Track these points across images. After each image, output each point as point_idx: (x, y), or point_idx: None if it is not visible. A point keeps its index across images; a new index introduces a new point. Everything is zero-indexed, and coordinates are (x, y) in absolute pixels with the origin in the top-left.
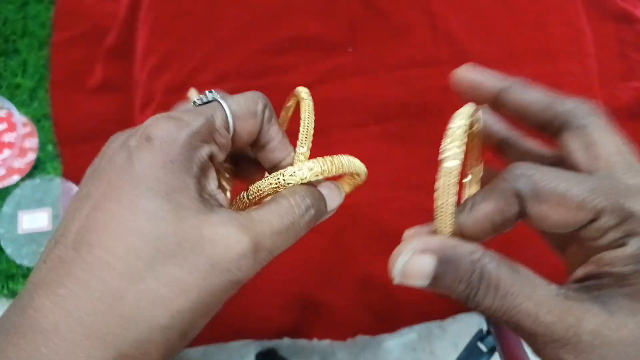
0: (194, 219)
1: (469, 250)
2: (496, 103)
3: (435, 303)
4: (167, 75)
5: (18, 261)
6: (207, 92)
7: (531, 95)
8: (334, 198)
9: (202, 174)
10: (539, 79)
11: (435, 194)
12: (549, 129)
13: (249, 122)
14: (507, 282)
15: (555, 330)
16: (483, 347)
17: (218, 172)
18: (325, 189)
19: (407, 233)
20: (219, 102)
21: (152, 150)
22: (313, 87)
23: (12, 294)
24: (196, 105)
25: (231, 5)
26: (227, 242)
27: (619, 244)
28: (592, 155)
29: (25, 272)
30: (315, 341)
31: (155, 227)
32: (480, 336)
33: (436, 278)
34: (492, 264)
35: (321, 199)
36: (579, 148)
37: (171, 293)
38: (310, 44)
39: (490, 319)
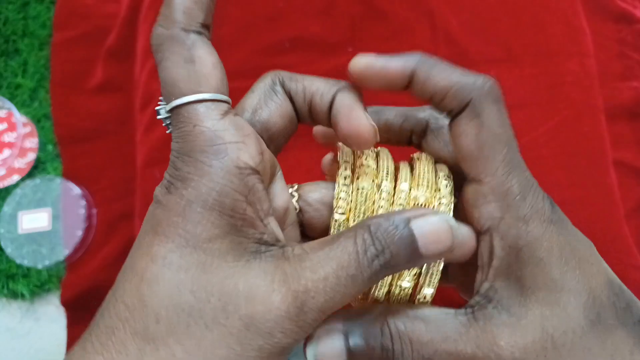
0: (227, 268)
1: (373, 317)
2: (406, 88)
3: (435, 303)
4: None
5: (18, 261)
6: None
7: (437, 81)
8: (435, 238)
9: (251, 207)
10: (538, 79)
11: None
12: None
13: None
14: (417, 333)
15: (479, 359)
16: None
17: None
18: (421, 222)
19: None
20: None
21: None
22: None
23: (12, 294)
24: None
25: (231, 5)
26: (267, 297)
27: (493, 225)
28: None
29: (26, 272)
30: None
31: (176, 281)
32: None
33: (351, 353)
34: (398, 323)
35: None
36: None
37: None
38: (310, 44)
39: None
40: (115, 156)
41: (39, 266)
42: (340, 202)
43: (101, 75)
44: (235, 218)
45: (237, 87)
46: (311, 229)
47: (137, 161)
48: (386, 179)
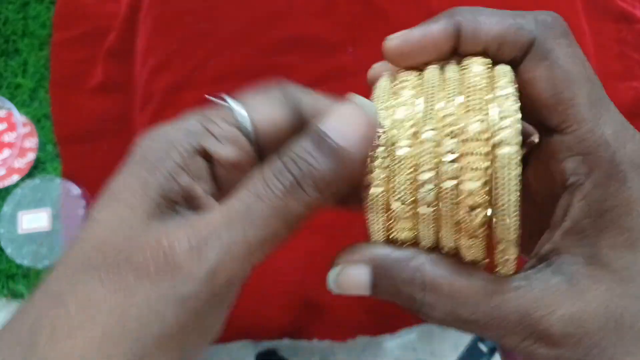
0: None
1: (406, 257)
2: (453, 51)
3: None
4: (167, 75)
5: (18, 261)
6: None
7: (488, 28)
8: (347, 123)
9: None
10: None
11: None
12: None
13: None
14: (458, 289)
15: (524, 324)
16: (483, 347)
17: None
18: (326, 119)
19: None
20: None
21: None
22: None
23: (12, 294)
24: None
25: (231, 5)
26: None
27: (578, 183)
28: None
29: (26, 272)
30: (315, 342)
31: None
32: (480, 337)
33: (376, 287)
34: (437, 273)
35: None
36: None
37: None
38: (310, 44)
39: (442, 325)
40: (115, 156)
41: (39, 266)
42: (377, 171)
43: (101, 75)
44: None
45: (237, 87)
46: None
47: None
48: (428, 100)
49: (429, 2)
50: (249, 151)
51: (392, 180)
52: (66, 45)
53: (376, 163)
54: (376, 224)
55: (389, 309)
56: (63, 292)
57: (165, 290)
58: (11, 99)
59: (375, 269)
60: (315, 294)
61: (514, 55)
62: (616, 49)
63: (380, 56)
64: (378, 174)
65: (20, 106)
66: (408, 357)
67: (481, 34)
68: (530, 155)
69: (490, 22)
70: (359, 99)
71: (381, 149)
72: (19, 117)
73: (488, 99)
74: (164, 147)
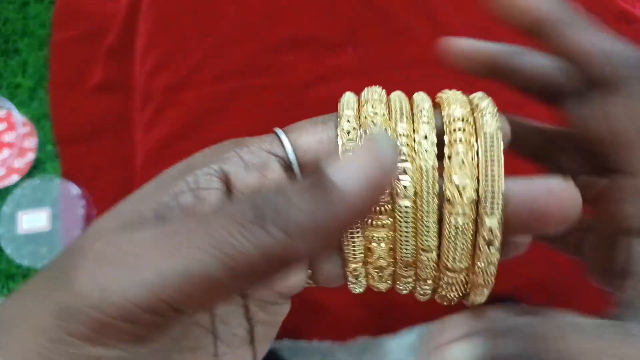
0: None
1: (519, 322)
2: (495, 71)
3: (435, 304)
4: (167, 75)
5: (18, 261)
6: None
7: (579, 42)
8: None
9: None
10: None
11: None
12: (558, 98)
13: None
14: (573, 346)
15: None
16: None
17: None
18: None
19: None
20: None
21: None
22: (313, 87)
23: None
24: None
25: (231, 4)
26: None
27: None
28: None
29: (25, 272)
30: (315, 342)
31: None
32: None
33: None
34: (552, 332)
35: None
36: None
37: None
38: (310, 43)
39: None
40: (115, 156)
41: (39, 266)
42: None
43: (100, 75)
44: None
45: (237, 87)
46: None
47: (136, 161)
48: (401, 121)
49: (429, 2)
50: (280, 180)
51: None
52: (66, 45)
53: (347, 154)
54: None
55: (389, 309)
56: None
57: (53, 297)
58: (11, 98)
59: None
60: (315, 295)
61: (593, 78)
62: None
63: (380, 56)
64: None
65: (20, 106)
66: (409, 358)
67: (568, 42)
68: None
69: (583, 37)
70: (382, 136)
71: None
72: (18, 117)
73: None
74: (182, 168)
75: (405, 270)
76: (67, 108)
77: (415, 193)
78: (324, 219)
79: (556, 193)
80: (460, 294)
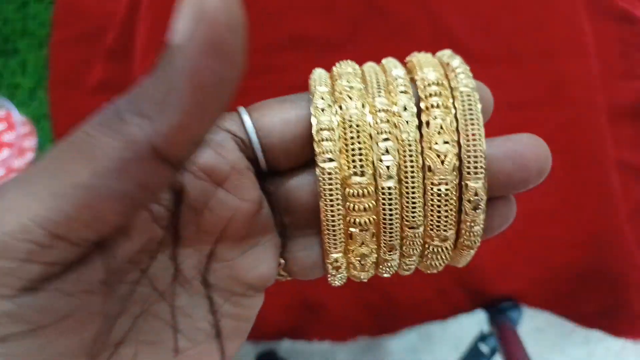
0: None
1: None
2: None
3: (435, 304)
4: None
5: None
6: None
7: None
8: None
9: None
10: (539, 78)
11: None
12: None
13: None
14: None
15: None
16: (484, 348)
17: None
18: None
19: None
20: None
21: None
22: None
23: None
24: None
25: None
26: None
27: None
28: None
29: None
30: (315, 343)
31: None
32: (481, 337)
33: None
34: None
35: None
36: None
37: None
38: (310, 42)
39: None
40: None
41: None
42: (325, 142)
43: (100, 74)
44: None
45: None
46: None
47: None
48: (379, 95)
49: (430, 1)
50: (237, 160)
51: (350, 150)
52: (65, 44)
53: (325, 134)
54: (332, 206)
55: (389, 309)
56: None
57: None
58: (10, 98)
59: None
60: (315, 295)
61: None
62: (618, 49)
63: (380, 54)
64: (329, 146)
65: (20, 106)
66: (408, 358)
67: None
68: None
69: None
70: None
71: (328, 116)
72: (18, 116)
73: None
74: None
75: (390, 254)
76: (66, 108)
77: (399, 169)
78: (174, 87)
79: (532, 146)
80: (446, 260)
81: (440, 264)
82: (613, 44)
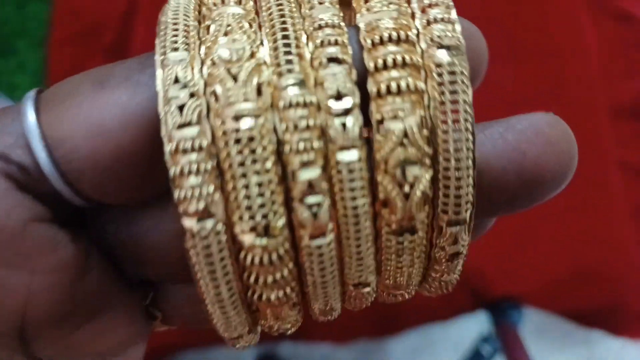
0: None
1: None
2: None
3: (436, 305)
4: None
5: None
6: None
7: None
8: None
9: None
10: (540, 77)
11: None
12: None
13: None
14: None
15: None
16: (485, 349)
17: None
18: None
19: None
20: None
21: None
22: None
23: None
24: None
25: None
26: None
27: None
28: None
29: None
30: (315, 344)
31: None
32: (482, 338)
33: None
34: None
35: None
36: None
37: None
38: None
39: None
40: None
41: None
42: (191, 178)
43: None
44: None
45: None
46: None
47: None
48: (290, 69)
49: None
50: (8, 209)
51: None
52: (64, 43)
53: (185, 161)
54: (216, 287)
55: (389, 310)
56: None
57: None
58: (9, 98)
59: None
60: None
61: None
62: (619, 48)
63: None
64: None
65: None
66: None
67: None
68: None
69: None
70: None
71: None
72: None
73: None
74: None
75: (325, 317)
76: None
77: (334, 209)
78: None
79: (552, 140)
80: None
81: (399, 300)
82: (614, 44)
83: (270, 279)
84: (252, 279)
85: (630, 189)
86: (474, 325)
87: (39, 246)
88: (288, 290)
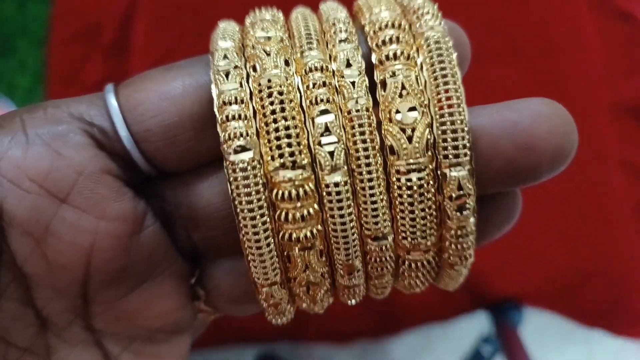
0: None
1: None
2: None
3: (436, 305)
4: None
5: None
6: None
7: None
8: None
9: None
10: (542, 76)
11: None
12: None
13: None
14: None
15: None
16: (485, 349)
17: None
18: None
19: None
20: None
21: None
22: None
23: None
24: None
25: (231, 1)
26: None
27: None
28: None
29: None
30: (315, 344)
31: None
32: (482, 339)
33: None
34: None
35: None
36: None
37: None
38: None
39: None
40: None
41: None
42: (233, 122)
43: (99, 72)
44: None
45: None
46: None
47: None
48: (309, 47)
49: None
50: (83, 160)
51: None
52: (64, 43)
53: (232, 110)
54: (253, 220)
55: (389, 310)
56: None
57: None
58: (10, 97)
59: None
60: None
61: None
62: (620, 47)
63: None
64: (240, 127)
65: (19, 105)
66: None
67: None
68: None
69: None
70: None
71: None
72: None
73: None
74: None
75: (350, 278)
76: None
77: (348, 154)
78: None
79: (544, 115)
80: (430, 278)
81: (422, 282)
82: (616, 42)
83: (297, 214)
84: (282, 216)
85: (631, 188)
86: (474, 325)
87: (107, 195)
88: (314, 230)
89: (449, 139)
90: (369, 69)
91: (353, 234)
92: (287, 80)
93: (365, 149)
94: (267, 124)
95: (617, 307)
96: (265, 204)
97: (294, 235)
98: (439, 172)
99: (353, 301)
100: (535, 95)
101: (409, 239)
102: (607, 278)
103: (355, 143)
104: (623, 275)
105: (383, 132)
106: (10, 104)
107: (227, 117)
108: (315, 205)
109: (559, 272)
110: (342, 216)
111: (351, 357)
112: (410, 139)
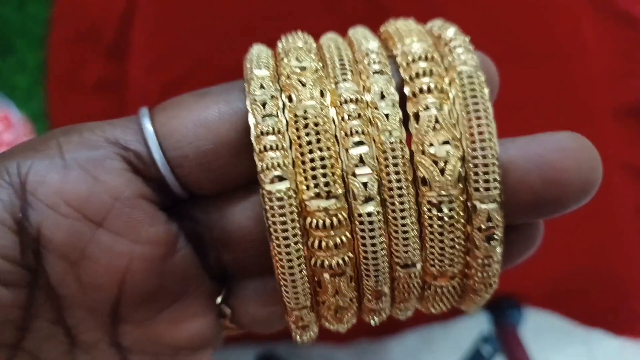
0: None
1: None
2: None
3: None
4: (166, 72)
5: None
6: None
7: None
8: None
9: None
10: (543, 78)
11: None
12: None
13: None
14: None
15: None
16: (485, 349)
17: None
18: None
19: None
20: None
21: None
22: None
23: None
24: None
25: (232, 2)
26: None
27: None
28: None
29: None
30: (315, 344)
31: None
32: (482, 339)
33: None
34: None
35: None
36: None
37: None
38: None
39: None
40: None
41: None
42: (270, 152)
43: (99, 73)
44: None
45: None
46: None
47: None
48: (344, 78)
49: (435, 1)
50: (120, 186)
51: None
52: (64, 43)
53: (269, 140)
54: (287, 247)
55: None
56: None
57: None
58: (9, 97)
59: None
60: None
61: None
62: (622, 49)
63: None
64: (277, 158)
65: (19, 105)
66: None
67: None
68: None
69: None
70: None
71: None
72: (17, 116)
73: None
74: None
75: (377, 303)
76: (65, 106)
77: (381, 185)
78: None
79: (570, 149)
80: (454, 302)
81: (445, 305)
82: (618, 45)
83: (330, 242)
84: (315, 244)
85: (632, 190)
86: (474, 325)
87: (143, 219)
88: (346, 258)
89: (480, 172)
90: (401, 97)
91: (383, 262)
92: (322, 111)
93: (398, 180)
94: (302, 154)
95: (617, 307)
96: (299, 232)
97: (326, 262)
98: (469, 203)
99: (377, 320)
100: (536, 99)
101: (437, 266)
102: (608, 278)
103: (388, 174)
104: (623, 275)
105: (415, 162)
106: (10, 104)
107: (264, 147)
108: (347, 234)
109: (559, 272)
110: (373, 245)
111: (351, 357)
112: (442, 171)
